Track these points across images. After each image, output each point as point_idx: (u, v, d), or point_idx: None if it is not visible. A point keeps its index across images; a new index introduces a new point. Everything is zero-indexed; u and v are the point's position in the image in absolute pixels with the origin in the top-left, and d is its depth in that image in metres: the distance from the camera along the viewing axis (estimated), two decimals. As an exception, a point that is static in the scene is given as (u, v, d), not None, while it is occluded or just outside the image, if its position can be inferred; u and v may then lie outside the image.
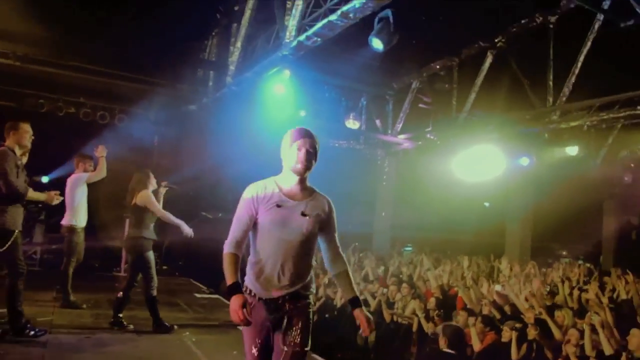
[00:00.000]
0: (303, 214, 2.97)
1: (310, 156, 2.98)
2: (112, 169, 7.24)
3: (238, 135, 9.79)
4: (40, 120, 10.45)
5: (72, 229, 6.77)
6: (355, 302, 3.09)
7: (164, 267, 10.93)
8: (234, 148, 8.97)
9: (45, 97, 10.63)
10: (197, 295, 8.73)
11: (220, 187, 10.58)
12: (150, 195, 5.91)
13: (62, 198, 5.90)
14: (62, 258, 6.89)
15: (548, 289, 8.11)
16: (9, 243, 4.85)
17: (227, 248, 2.93)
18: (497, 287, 7.94)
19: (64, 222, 6.83)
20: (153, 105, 10.70)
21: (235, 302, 2.70)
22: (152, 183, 6.06)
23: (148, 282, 5.88)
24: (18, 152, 5.01)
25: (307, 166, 2.98)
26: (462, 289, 7.64)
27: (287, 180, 3.02)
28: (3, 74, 9.89)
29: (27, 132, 5.09)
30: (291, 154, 2.97)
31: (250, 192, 2.99)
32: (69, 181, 6.97)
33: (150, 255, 5.89)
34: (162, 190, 6.32)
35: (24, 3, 8.62)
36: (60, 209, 6.82)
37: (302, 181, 3.03)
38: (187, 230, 5.87)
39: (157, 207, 5.94)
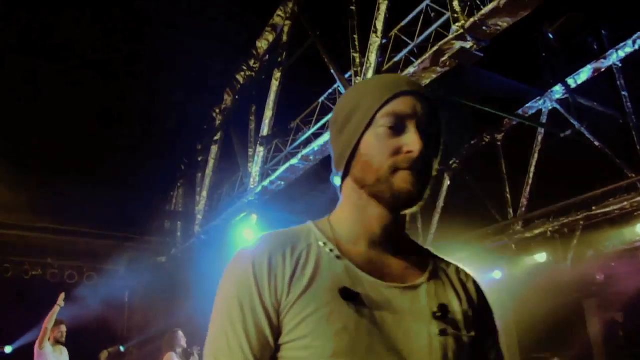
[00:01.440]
0: (436, 317, 1.10)
1: (433, 149, 1.18)
2: (84, 328, 7.05)
3: (210, 282, 9.66)
4: (6, 286, 10.25)
5: None
6: None
7: None
8: (207, 297, 8.82)
9: (10, 261, 10.43)
10: None
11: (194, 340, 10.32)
12: (173, 357, 5.89)
13: None
14: None
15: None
16: None
17: None
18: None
19: None
20: (122, 260, 10.61)
21: None
22: (181, 343, 6.07)
23: None
24: None
25: (423, 176, 1.14)
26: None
27: (358, 226, 1.19)
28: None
29: None
30: (373, 146, 1.14)
31: (246, 267, 1.10)
32: None
33: None
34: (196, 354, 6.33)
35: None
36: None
37: (401, 224, 1.22)
38: None
39: None
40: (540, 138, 9.27)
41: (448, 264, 1.31)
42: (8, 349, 10.26)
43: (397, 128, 1.13)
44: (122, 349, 10.35)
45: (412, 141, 1.11)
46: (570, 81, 8.56)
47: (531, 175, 9.44)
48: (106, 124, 9.26)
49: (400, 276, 1.14)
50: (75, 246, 10.71)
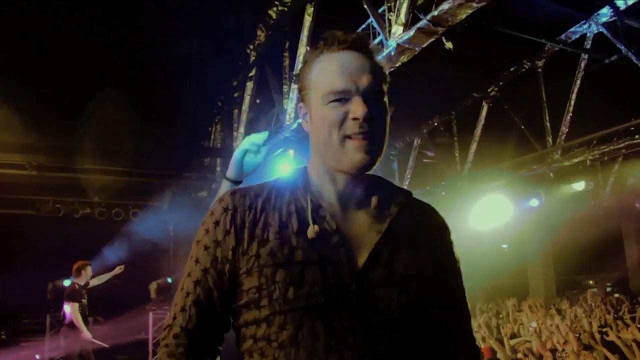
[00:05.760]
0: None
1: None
2: (132, 263, 7.35)
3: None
4: (59, 225, 10.78)
5: None
6: None
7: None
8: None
9: (62, 201, 10.92)
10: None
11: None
12: None
13: None
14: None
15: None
16: None
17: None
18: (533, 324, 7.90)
19: None
20: (165, 196, 10.95)
21: None
22: None
23: None
24: None
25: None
26: (492, 340, 7.52)
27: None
28: (21, 184, 10.26)
29: None
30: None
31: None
32: None
33: None
34: None
35: (34, 118, 9.06)
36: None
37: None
38: None
39: None
40: (583, 64, 8.96)
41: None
42: (67, 282, 10.86)
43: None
44: (169, 280, 10.87)
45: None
46: (620, 2, 8.08)
47: (572, 102, 9.19)
48: (142, 65, 9.31)
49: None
50: (120, 185, 11.08)
